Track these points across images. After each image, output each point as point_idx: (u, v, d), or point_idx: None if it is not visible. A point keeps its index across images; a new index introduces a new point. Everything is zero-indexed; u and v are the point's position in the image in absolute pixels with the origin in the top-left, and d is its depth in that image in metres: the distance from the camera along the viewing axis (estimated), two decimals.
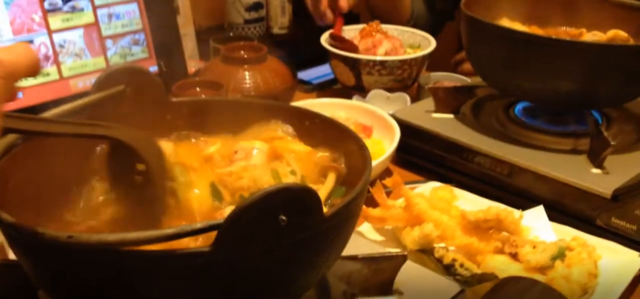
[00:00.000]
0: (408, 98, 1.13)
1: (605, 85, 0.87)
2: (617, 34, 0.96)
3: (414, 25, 1.30)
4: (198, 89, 1.02)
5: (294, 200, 0.46)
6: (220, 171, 0.64)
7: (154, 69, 1.19)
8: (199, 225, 0.46)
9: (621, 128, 0.93)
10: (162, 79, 0.99)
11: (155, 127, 0.69)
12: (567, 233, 0.78)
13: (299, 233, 0.47)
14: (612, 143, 0.81)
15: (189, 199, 0.60)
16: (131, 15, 1.18)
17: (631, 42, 0.95)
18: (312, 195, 0.46)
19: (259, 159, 0.65)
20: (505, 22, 1.00)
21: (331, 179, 0.63)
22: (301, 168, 0.65)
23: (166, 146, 0.67)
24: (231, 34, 1.35)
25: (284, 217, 0.45)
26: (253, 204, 0.44)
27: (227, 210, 0.59)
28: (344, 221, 0.51)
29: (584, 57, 0.85)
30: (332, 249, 0.52)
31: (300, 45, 1.41)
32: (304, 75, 1.32)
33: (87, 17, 1.13)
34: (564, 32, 1.01)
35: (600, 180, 0.80)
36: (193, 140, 0.71)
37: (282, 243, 0.46)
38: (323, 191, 0.62)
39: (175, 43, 1.22)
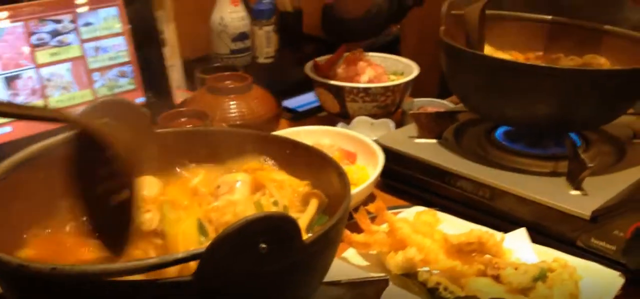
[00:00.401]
0: (392, 124, 1.15)
1: (582, 108, 0.89)
2: (593, 58, 0.98)
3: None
4: (184, 119, 1.04)
5: (273, 228, 0.47)
6: (207, 207, 0.65)
7: (141, 100, 1.20)
8: (180, 255, 0.47)
9: (599, 150, 0.95)
10: (149, 110, 1.01)
11: (141, 158, 0.70)
12: (549, 255, 0.79)
13: (280, 260, 0.48)
14: (589, 165, 0.82)
15: (176, 235, 0.61)
16: (118, 48, 1.20)
17: (607, 66, 0.97)
18: (291, 223, 0.48)
19: (242, 192, 0.66)
20: (486, 50, 1.02)
21: (313, 205, 0.64)
22: (284, 197, 0.66)
23: (154, 183, 0.68)
24: (217, 64, 1.36)
25: (264, 246, 0.46)
26: (233, 232, 0.45)
27: None
28: (324, 248, 0.53)
29: (561, 82, 0.87)
30: (313, 275, 0.53)
31: (285, 74, 1.43)
32: (289, 103, 1.33)
33: (75, 51, 1.14)
34: (542, 57, 1.04)
35: (579, 202, 0.82)
36: (178, 169, 0.72)
37: (263, 271, 0.48)
38: (304, 218, 0.63)
39: (162, 74, 1.23)
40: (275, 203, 0.65)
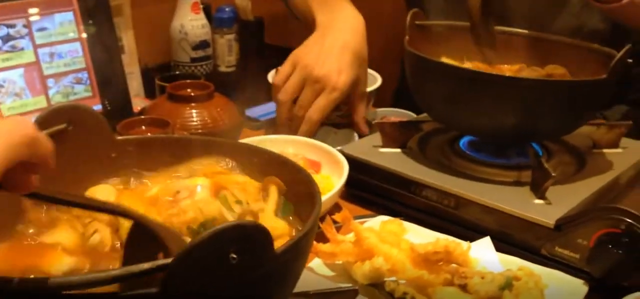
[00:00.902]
0: (355, 133, 1.14)
1: (544, 119, 0.90)
2: (555, 69, 1.00)
3: None
4: (143, 127, 1.01)
5: (244, 237, 0.45)
6: (167, 212, 0.62)
7: (98, 108, 1.17)
8: (146, 266, 0.45)
9: (561, 160, 0.96)
10: (106, 118, 0.98)
11: (100, 165, 0.68)
12: (514, 263, 0.79)
13: (250, 271, 0.46)
14: (552, 174, 0.83)
15: None
16: (74, 54, 1.16)
17: (568, 77, 0.99)
18: (262, 232, 0.46)
19: (203, 196, 0.65)
20: (447, 59, 1.03)
21: (273, 192, 0.63)
22: (246, 198, 0.64)
23: (109, 192, 0.66)
24: (178, 72, 1.34)
25: (234, 256, 0.45)
26: (202, 242, 0.44)
27: None
28: (295, 258, 0.51)
29: (522, 92, 0.88)
30: (282, 286, 0.52)
31: (247, 83, 1.41)
32: (251, 112, 1.31)
33: (28, 57, 1.10)
34: (506, 68, 1.05)
35: (543, 210, 0.82)
36: (132, 180, 0.69)
37: (232, 282, 0.46)
38: (270, 205, 0.62)
39: (120, 82, 1.20)
40: (239, 201, 0.63)
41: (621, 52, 0.87)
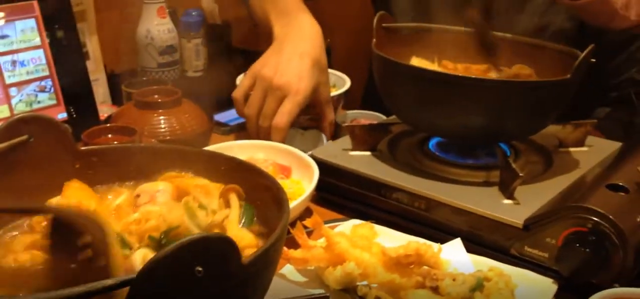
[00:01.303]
0: (323, 135, 1.14)
1: (510, 119, 0.90)
2: (521, 69, 1.01)
3: None
4: (110, 135, 0.99)
5: (210, 250, 0.44)
6: (125, 220, 0.61)
7: (62, 116, 1.14)
8: (109, 282, 0.44)
9: (528, 159, 0.97)
10: (72, 126, 0.96)
11: (63, 176, 0.66)
12: (484, 264, 0.79)
13: (217, 283, 0.45)
14: (520, 174, 0.84)
15: None
16: (37, 62, 1.13)
17: (534, 77, 1.00)
18: (228, 243, 0.45)
19: (164, 200, 0.64)
20: (416, 61, 1.03)
21: (235, 200, 0.62)
22: (209, 202, 0.63)
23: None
24: (144, 78, 1.32)
25: (200, 269, 0.44)
26: (167, 256, 0.43)
27: (137, 255, 0.57)
28: (263, 268, 0.50)
29: (489, 93, 0.88)
30: (252, 296, 0.51)
31: (216, 88, 1.40)
32: (220, 117, 1.30)
33: None
34: (474, 68, 1.05)
35: (512, 210, 0.83)
36: (101, 188, 0.68)
37: (198, 296, 0.45)
38: (233, 214, 0.61)
39: (85, 89, 1.18)
40: (202, 206, 0.62)
41: (585, 52, 0.88)
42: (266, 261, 0.51)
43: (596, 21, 1.13)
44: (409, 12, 1.35)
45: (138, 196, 0.64)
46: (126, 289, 0.43)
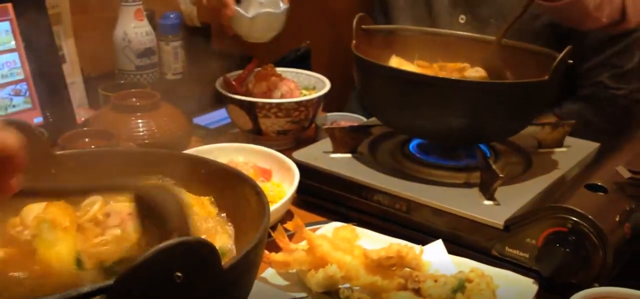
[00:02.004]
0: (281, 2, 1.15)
1: (489, 120, 0.91)
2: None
3: None
4: (87, 139, 0.97)
5: (189, 255, 0.43)
6: (93, 241, 0.60)
7: (38, 120, 1.12)
8: (85, 289, 0.43)
9: (508, 160, 0.98)
10: (48, 130, 0.94)
11: (40, 181, 0.65)
12: (466, 265, 0.80)
13: (197, 289, 0.44)
14: (500, 175, 0.84)
15: (50, 258, 0.57)
16: (11, 65, 1.11)
17: (510, 79, 1.00)
18: (208, 247, 0.44)
19: (133, 227, 0.61)
20: (395, 62, 1.03)
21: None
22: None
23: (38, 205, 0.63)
24: (122, 82, 1.30)
25: (179, 275, 0.43)
26: (145, 262, 0.42)
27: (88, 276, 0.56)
28: (244, 273, 0.50)
29: (468, 94, 0.88)
30: None
31: (195, 91, 1.38)
32: (200, 120, 1.29)
33: None
34: (451, 66, 1.05)
35: (492, 211, 0.83)
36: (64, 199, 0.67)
37: None
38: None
39: (61, 92, 1.16)
40: None
41: (562, 54, 0.89)
42: (247, 266, 0.50)
43: (569, 22, 1.14)
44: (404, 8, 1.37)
45: (108, 215, 0.63)
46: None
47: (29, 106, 1.13)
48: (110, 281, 0.42)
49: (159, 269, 0.42)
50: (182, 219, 0.52)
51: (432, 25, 1.34)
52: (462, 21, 1.34)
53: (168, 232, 0.50)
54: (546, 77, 0.88)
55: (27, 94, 1.13)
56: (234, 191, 0.63)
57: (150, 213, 0.54)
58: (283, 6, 1.15)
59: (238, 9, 1.11)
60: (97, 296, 0.43)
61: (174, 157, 0.69)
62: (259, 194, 0.58)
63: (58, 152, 0.69)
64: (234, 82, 1.19)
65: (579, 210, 0.75)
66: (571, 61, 0.91)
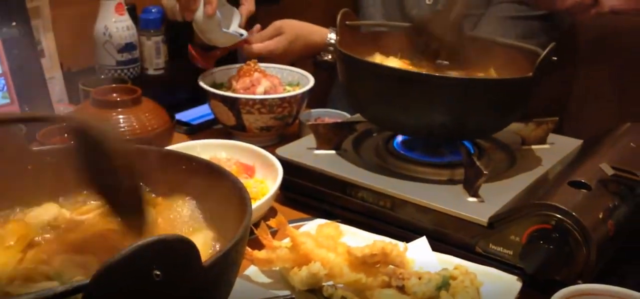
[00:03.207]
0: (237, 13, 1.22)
1: (472, 117, 0.90)
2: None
3: None
4: (66, 135, 0.95)
5: (168, 252, 0.42)
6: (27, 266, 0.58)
7: None
8: (61, 288, 0.41)
9: (492, 157, 0.97)
10: (26, 126, 0.92)
11: (16, 178, 0.63)
12: (450, 262, 0.79)
13: (177, 287, 0.43)
14: (485, 172, 0.84)
15: None
16: None
17: (494, 75, 1.00)
18: (187, 245, 0.43)
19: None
20: (379, 58, 1.02)
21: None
22: None
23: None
24: (103, 77, 1.28)
25: (158, 273, 0.42)
26: (122, 260, 0.41)
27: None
28: (224, 271, 0.49)
29: (451, 91, 0.88)
30: None
31: (177, 86, 1.37)
32: (182, 116, 1.27)
33: None
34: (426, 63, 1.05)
35: (476, 208, 0.83)
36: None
37: None
38: None
39: (40, 87, 1.14)
40: None
41: (546, 51, 0.89)
42: (228, 263, 0.49)
43: (542, 5, 1.15)
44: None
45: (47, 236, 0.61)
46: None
47: (7, 100, 1.11)
48: (87, 280, 0.41)
49: (137, 267, 0.41)
50: (127, 156, 0.52)
51: (401, 10, 1.34)
52: (428, 2, 1.34)
53: (113, 169, 0.51)
54: (530, 74, 0.88)
55: (5, 88, 1.10)
56: (216, 187, 0.62)
57: (94, 148, 0.54)
58: (238, 33, 1.22)
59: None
60: (74, 295, 0.41)
61: (154, 153, 0.67)
62: (240, 191, 0.57)
63: (35, 149, 0.67)
64: (195, 53, 1.23)
65: (563, 207, 0.75)
66: (555, 58, 0.91)
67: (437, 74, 0.97)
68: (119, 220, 0.57)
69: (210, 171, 0.63)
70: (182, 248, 0.43)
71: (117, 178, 0.54)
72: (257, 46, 1.28)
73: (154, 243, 0.42)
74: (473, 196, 0.85)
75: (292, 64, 1.29)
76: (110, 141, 0.53)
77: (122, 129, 1.03)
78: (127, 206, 0.55)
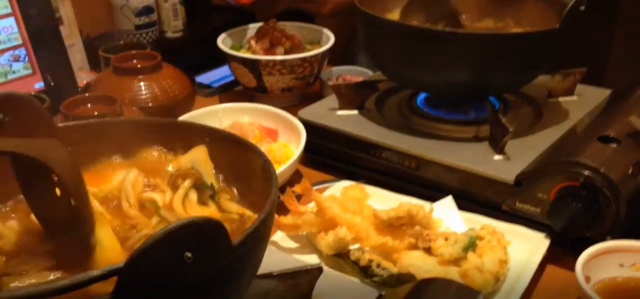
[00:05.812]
0: None
1: (496, 73, 0.89)
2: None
3: None
4: (89, 105, 0.96)
5: (198, 234, 0.43)
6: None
7: (40, 85, 1.11)
8: (95, 273, 0.42)
9: (517, 112, 0.96)
10: (50, 95, 0.92)
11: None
12: (476, 221, 0.79)
13: (207, 268, 0.44)
14: (510, 130, 0.83)
15: None
16: (9, 31, 1.09)
17: (514, 29, 0.97)
18: (217, 226, 0.44)
19: None
20: (398, 15, 1.00)
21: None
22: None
23: None
24: (121, 42, 1.28)
25: (189, 255, 0.42)
26: (154, 244, 0.41)
27: None
28: (253, 247, 0.49)
29: (475, 47, 0.86)
30: (243, 277, 0.50)
31: (196, 48, 1.36)
32: (203, 78, 1.27)
33: None
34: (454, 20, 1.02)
35: (502, 166, 0.82)
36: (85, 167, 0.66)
37: (189, 281, 0.43)
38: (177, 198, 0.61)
39: (61, 55, 1.13)
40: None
41: (573, 1, 0.86)
42: (256, 239, 0.49)
43: None
44: None
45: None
46: None
47: (29, 71, 1.11)
48: (120, 264, 0.42)
49: (169, 250, 0.42)
50: (72, 168, 0.50)
51: None
52: None
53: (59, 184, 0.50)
54: (557, 26, 0.86)
55: (26, 59, 1.11)
56: (240, 160, 0.62)
57: (36, 172, 0.52)
58: None
59: None
60: (108, 279, 0.42)
61: (176, 126, 0.67)
62: (266, 164, 0.57)
63: (60, 124, 0.67)
64: None
65: (591, 164, 0.74)
66: (583, 8, 0.88)
67: (459, 31, 0.95)
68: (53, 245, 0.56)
69: (235, 144, 0.63)
70: (212, 229, 0.43)
71: (65, 208, 0.52)
72: None
73: (184, 226, 0.42)
74: (499, 153, 0.84)
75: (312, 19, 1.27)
76: (63, 174, 0.50)
77: (144, 97, 1.03)
78: (70, 235, 0.54)
